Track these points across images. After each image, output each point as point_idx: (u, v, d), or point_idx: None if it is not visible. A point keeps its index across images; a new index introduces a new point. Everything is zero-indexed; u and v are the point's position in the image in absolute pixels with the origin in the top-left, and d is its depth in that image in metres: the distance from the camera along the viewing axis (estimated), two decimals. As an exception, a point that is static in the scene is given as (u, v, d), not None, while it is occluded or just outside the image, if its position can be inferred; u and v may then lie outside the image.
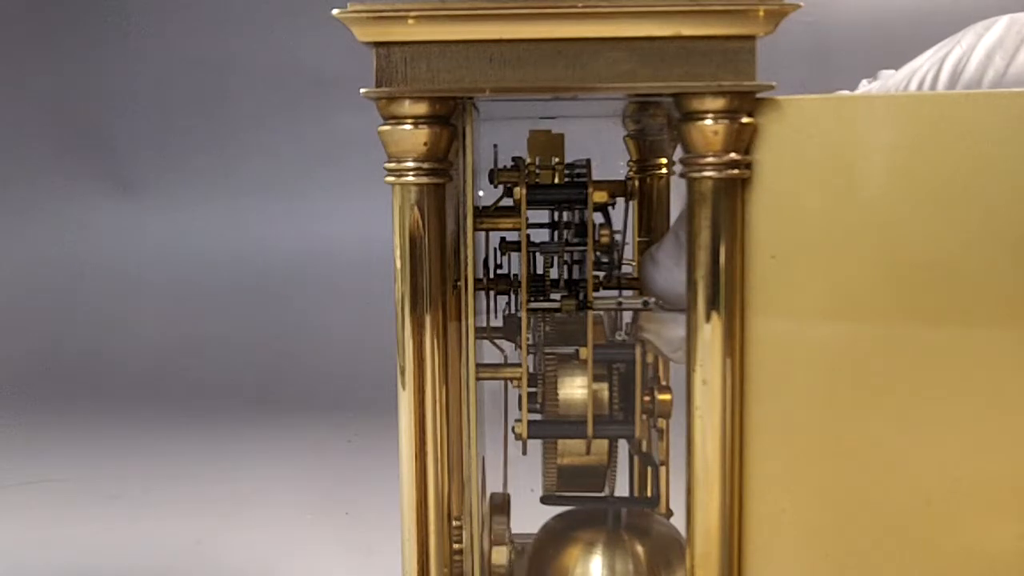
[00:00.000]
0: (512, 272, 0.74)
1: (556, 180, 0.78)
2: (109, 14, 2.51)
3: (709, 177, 0.59)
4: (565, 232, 0.73)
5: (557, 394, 0.71)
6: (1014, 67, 0.59)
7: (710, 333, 0.60)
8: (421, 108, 0.60)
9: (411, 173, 0.61)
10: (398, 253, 0.62)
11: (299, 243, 2.43)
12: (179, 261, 2.46)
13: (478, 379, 0.70)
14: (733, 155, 0.58)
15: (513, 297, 0.74)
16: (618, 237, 0.75)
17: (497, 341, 0.75)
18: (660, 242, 0.70)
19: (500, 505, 0.81)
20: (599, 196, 0.75)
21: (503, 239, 0.73)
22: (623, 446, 0.77)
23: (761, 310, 0.60)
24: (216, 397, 2.11)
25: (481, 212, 0.72)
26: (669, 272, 0.67)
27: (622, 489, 0.80)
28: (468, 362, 0.68)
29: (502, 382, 0.75)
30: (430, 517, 0.64)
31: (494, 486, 0.83)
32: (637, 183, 0.85)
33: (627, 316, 0.77)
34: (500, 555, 0.77)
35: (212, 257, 2.45)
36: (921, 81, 0.63)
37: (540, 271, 0.72)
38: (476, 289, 0.70)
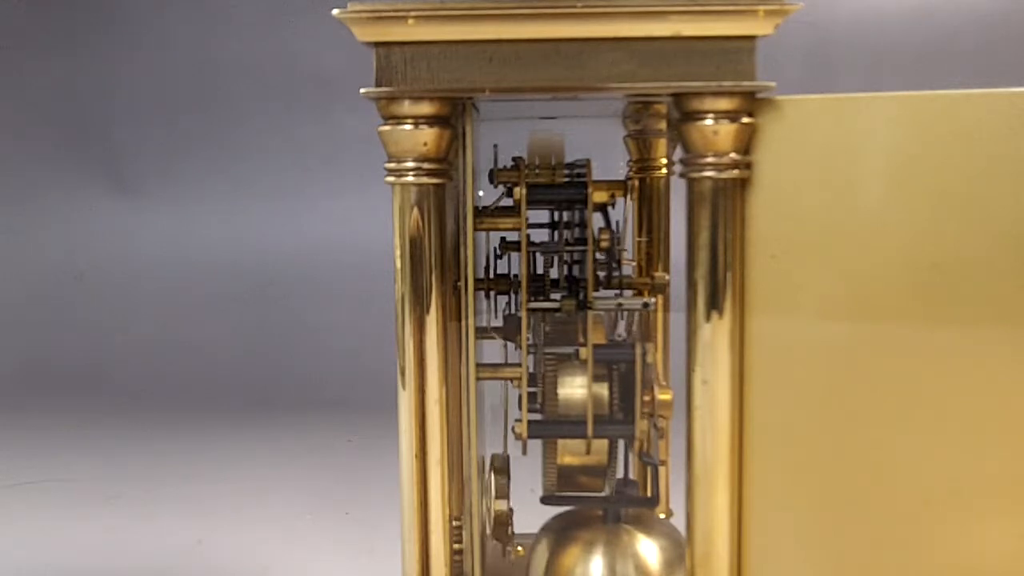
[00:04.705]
0: (512, 272, 0.74)
1: (556, 180, 0.78)
2: (109, 14, 2.50)
3: (709, 177, 0.59)
4: (565, 232, 0.73)
5: (557, 394, 0.71)
6: None
7: (710, 333, 0.60)
8: (421, 108, 0.60)
9: (411, 173, 0.61)
10: (398, 253, 0.62)
11: (299, 242, 2.43)
12: (178, 260, 2.46)
13: (478, 379, 0.70)
14: (733, 155, 0.58)
15: (513, 297, 0.74)
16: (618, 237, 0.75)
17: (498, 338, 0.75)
18: None
19: (501, 467, 0.81)
20: (599, 196, 0.75)
21: (503, 239, 0.73)
22: (623, 446, 0.77)
23: (761, 310, 0.60)
24: (216, 397, 2.11)
25: (481, 212, 0.72)
26: None
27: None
28: (468, 362, 0.68)
29: (502, 382, 0.75)
30: (430, 517, 0.64)
31: (494, 486, 0.84)
32: (637, 183, 0.85)
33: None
34: (501, 505, 0.78)
35: (212, 256, 2.45)
36: None
37: (540, 271, 0.72)
38: (476, 289, 0.70)
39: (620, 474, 0.76)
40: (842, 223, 0.59)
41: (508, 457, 0.82)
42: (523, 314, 0.70)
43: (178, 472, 1.62)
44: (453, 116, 0.62)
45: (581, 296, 0.71)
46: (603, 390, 0.72)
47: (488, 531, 0.80)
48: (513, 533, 0.80)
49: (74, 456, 1.71)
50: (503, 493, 0.79)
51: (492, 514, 0.79)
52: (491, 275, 0.74)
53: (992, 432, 0.60)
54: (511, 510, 0.79)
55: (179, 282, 2.44)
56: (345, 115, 2.33)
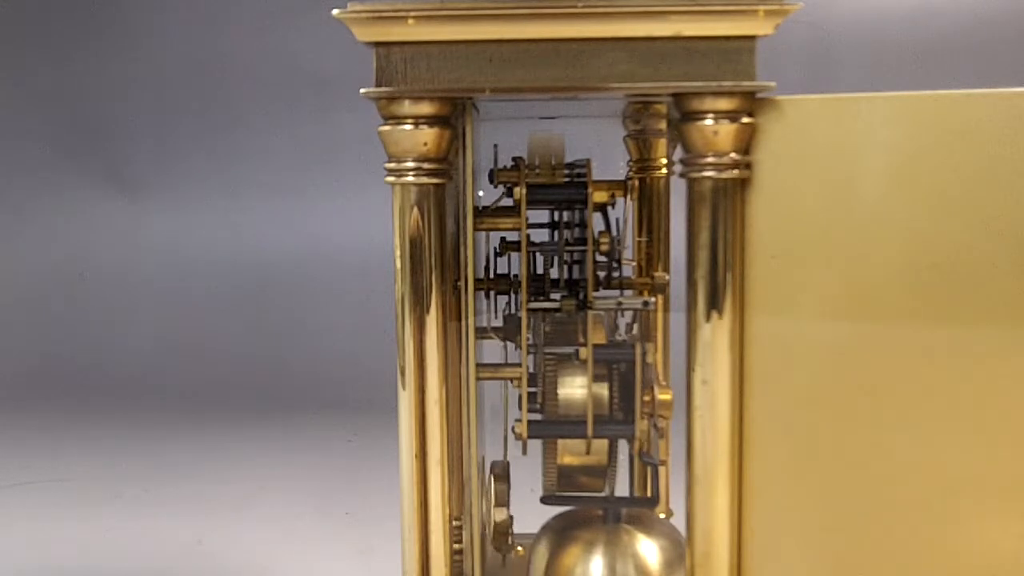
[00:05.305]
0: (512, 272, 0.74)
1: (556, 180, 0.78)
2: (109, 14, 2.50)
3: (709, 177, 0.59)
4: (565, 232, 0.73)
5: (557, 394, 0.71)
6: None
7: (710, 333, 0.60)
8: (421, 108, 0.60)
9: (411, 173, 0.61)
10: (398, 253, 0.62)
11: (299, 243, 2.43)
12: (178, 261, 2.46)
13: (478, 379, 0.70)
14: (733, 155, 0.58)
15: (513, 297, 0.74)
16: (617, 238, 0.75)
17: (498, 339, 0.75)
18: None
19: (501, 474, 0.81)
20: (599, 196, 0.75)
21: (503, 239, 0.73)
22: (623, 446, 0.77)
23: (761, 310, 0.60)
24: (216, 397, 2.11)
25: (481, 212, 0.72)
26: None
27: (622, 489, 0.80)
28: (468, 362, 0.68)
29: (502, 382, 0.75)
30: (430, 517, 0.64)
31: (494, 486, 0.84)
32: (637, 183, 0.85)
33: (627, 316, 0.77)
34: (501, 514, 0.78)
35: (212, 257, 2.45)
36: None
37: (540, 271, 0.72)
38: (476, 289, 0.70)
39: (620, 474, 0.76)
40: (842, 223, 0.59)
41: (508, 464, 0.82)
42: (523, 314, 0.70)
43: (178, 472, 1.62)
44: (453, 116, 0.62)
45: (581, 296, 0.71)
46: (603, 390, 0.72)
47: (488, 539, 0.80)
48: (513, 542, 0.80)
49: (74, 456, 1.71)
50: (503, 501, 0.79)
51: (492, 522, 0.79)
52: (491, 275, 0.74)
53: (992, 432, 0.60)
54: (511, 518, 0.79)
55: (179, 282, 2.44)
56: (345, 115, 2.33)
